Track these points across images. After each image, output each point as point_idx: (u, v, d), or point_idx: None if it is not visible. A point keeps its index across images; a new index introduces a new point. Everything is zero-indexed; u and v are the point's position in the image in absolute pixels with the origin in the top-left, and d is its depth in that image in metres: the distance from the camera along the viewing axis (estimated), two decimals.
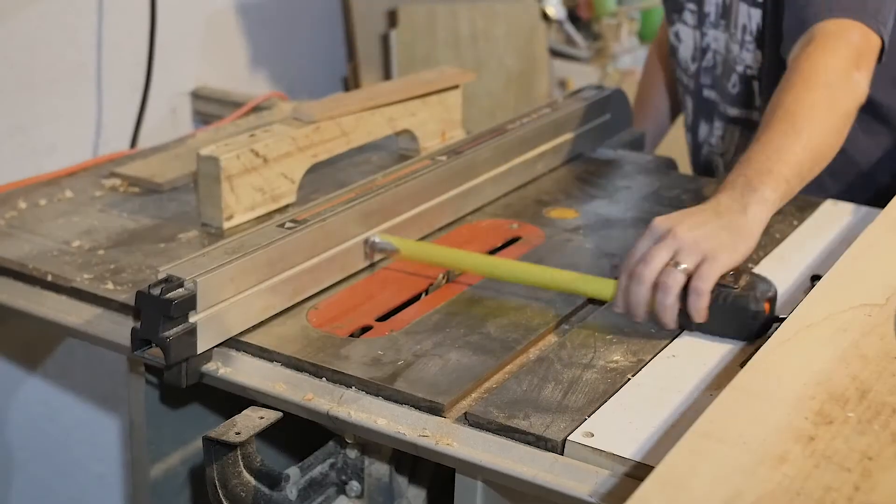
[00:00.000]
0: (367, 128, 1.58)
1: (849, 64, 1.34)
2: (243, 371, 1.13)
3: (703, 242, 1.11)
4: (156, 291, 1.08)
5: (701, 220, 1.14)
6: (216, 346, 1.14)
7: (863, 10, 1.38)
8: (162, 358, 1.08)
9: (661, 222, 1.14)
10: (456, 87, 1.73)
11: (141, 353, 1.10)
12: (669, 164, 1.69)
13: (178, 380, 1.11)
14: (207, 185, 1.39)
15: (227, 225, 1.40)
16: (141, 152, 1.72)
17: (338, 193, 1.32)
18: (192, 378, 1.12)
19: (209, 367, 1.13)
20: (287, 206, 1.47)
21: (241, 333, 1.15)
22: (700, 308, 1.10)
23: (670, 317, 1.11)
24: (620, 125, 1.77)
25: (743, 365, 1.00)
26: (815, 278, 1.26)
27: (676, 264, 1.10)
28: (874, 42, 1.39)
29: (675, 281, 1.10)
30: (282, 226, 1.22)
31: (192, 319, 1.10)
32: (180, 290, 1.09)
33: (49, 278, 1.28)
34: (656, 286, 1.11)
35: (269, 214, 1.45)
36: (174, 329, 1.08)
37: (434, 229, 1.41)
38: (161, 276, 1.10)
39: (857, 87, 1.35)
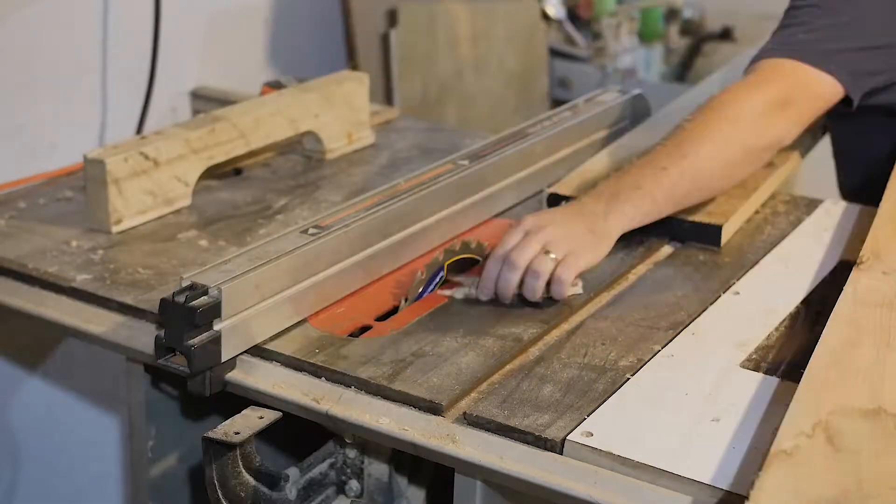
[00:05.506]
0: (267, 129, 1.55)
1: (769, 105, 1.33)
2: (242, 371, 1.13)
3: (571, 239, 1.21)
4: (180, 299, 1.06)
5: (567, 220, 1.24)
6: (240, 354, 1.13)
7: (810, 51, 1.37)
8: (185, 366, 1.07)
9: (532, 219, 1.24)
10: (362, 86, 1.70)
11: (165, 362, 1.09)
12: None
13: (201, 388, 1.10)
14: (94, 189, 1.38)
15: (115, 229, 1.39)
16: None
17: (361, 198, 1.31)
18: (215, 387, 1.11)
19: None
20: (181, 209, 1.46)
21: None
22: (561, 294, 1.20)
23: (538, 297, 1.20)
24: None
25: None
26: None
27: (547, 253, 1.19)
28: (819, 87, 1.37)
29: (546, 267, 1.19)
30: (305, 232, 1.21)
31: (216, 327, 1.09)
32: (205, 297, 1.08)
33: (49, 278, 1.28)
34: (527, 272, 1.19)
35: (162, 217, 1.44)
36: (199, 337, 1.07)
37: (457, 234, 1.40)
38: (185, 283, 1.09)
39: (771, 129, 1.34)
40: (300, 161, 1.65)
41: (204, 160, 1.47)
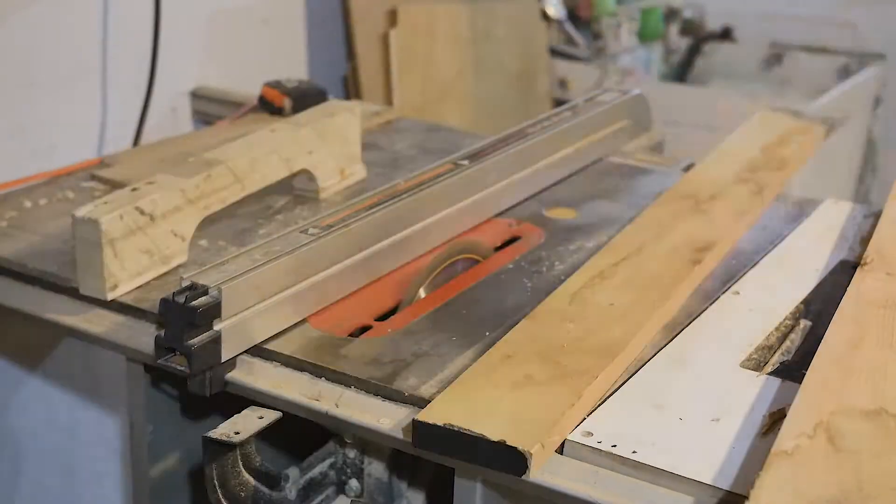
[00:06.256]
0: (263, 171, 1.42)
1: None
2: (243, 371, 1.13)
3: None
4: (180, 299, 1.06)
5: None
6: (240, 353, 1.13)
7: None
8: (185, 366, 1.07)
9: None
10: (354, 117, 1.58)
11: (165, 362, 1.09)
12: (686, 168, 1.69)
13: (201, 388, 1.10)
14: (87, 252, 1.22)
15: (110, 296, 1.24)
16: (127, 152, 1.71)
17: (361, 198, 1.31)
18: (216, 386, 1.11)
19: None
20: (178, 267, 1.32)
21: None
22: None
23: None
24: (640, 129, 1.77)
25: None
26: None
27: None
28: None
29: None
30: (305, 231, 1.21)
31: (216, 327, 1.09)
32: (205, 297, 1.08)
33: (49, 278, 1.28)
34: None
35: (159, 278, 1.29)
36: (199, 337, 1.07)
37: (457, 234, 1.40)
38: (185, 283, 1.09)
39: None
40: (290, 200, 1.53)
41: (200, 210, 1.33)
